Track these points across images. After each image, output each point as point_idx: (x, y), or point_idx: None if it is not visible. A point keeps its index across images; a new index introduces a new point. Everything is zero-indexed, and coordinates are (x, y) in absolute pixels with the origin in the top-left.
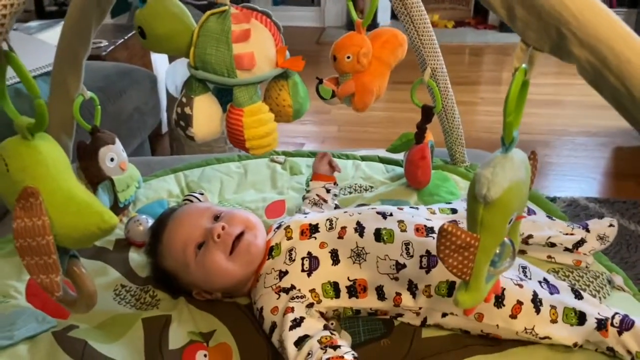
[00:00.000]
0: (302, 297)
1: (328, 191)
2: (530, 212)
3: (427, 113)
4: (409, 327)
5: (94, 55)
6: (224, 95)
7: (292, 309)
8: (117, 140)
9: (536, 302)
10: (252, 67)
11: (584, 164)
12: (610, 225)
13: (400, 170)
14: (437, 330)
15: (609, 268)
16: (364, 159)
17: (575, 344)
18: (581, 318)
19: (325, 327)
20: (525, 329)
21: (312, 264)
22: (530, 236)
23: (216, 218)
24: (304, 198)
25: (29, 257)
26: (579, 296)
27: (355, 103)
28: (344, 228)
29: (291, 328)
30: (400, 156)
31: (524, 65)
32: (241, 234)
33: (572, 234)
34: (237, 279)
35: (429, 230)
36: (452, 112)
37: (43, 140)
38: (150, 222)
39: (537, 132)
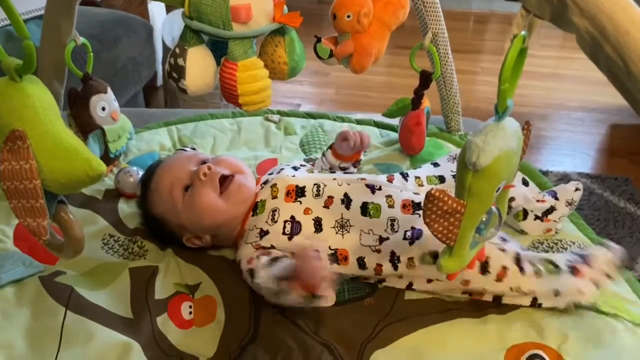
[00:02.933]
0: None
1: (343, 169)
2: None
3: (425, 79)
4: (393, 289)
5: (89, 0)
6: (219, 49)
7: (269, 253)
8: (109, 89)
9: (519, 263)
10: (248, 20)
11: (579, 139)
12: (576, 189)
13: (394, 135)
14: (420, 293)
15: (594, 241)
16: (359, 122)
17: (556, 293)
18: (555, 265)
19: None
20: (511, 288)
21: (294, 228)
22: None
23: (203, 163)
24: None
25: (16, 200)
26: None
27: (353, 64)
28: (330, 197)
29: (266, 266)
30: (395, 121)
31: (523, 32)
32: (232, 177)
33: (543, 201)
34: (225, 217)
35: (416, 207)
36: (450, 79)
37: (31, 83)
38: (141, 173)
39: (534, 105)
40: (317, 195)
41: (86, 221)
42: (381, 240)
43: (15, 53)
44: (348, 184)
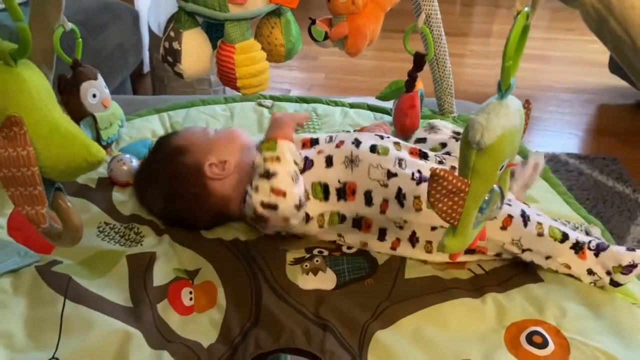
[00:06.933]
0: None
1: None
2: None
3: (419, 60)
4: (393, 267)
5: None
6: (214, 31)
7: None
8: (100, 76)
9: (525, 216)
10: (244, 2)
11: (568, 120)
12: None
13: (388, 118)
14: (420, 270)
15: (588, 220)
16: (352, 106)
17: (548, 257)
18: (564, 236)
19: None
20: (512, 239)
21: (306, 164)
22: None
23: None
24: None
25: (14, 188)
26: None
27: (348, 46)
28: (342, 141)
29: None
30: (389, 104)
31: (526, 9)
32: None
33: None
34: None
35: (423, 155)
36: (443, 61)
37: (27, 68)
38: (134, 161)
39: (523, 87)
40: (330, 141)
41: (80, 210)
42: (389, 175)
43: (5, 39)
44: (359, 134)
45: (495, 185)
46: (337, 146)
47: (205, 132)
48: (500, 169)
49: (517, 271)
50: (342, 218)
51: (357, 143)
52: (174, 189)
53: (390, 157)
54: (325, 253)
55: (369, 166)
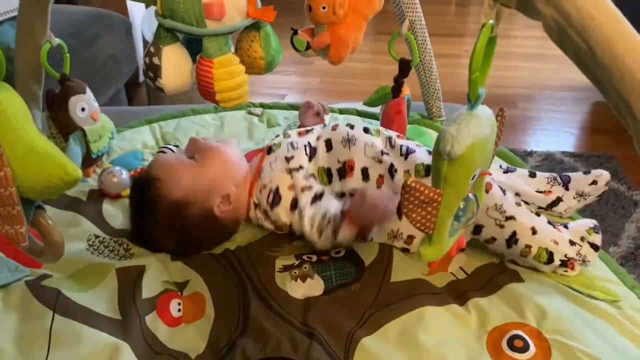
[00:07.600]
0: (312, 175)
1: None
2: (509, 170)
3: (404, 67)
4: (379, 270)
5: None
6: (194, 46)
7: (310, 187)
8: (88, 90)
9: (502, 191)
10: (222, 17)
11: (563, 119)
12: (593, 182)
13: (377, 123)
14: (405, 273)
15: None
16: (341, 112)
17: (533, 230)
18: (537, 214)
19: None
20: (495, 204)
21: (312, 152)
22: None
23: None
24: None
25: None
26: None
27: (331, 55)
28: (336, 125)
29: (312, 202)
30: (378, 109)
31: (491, 21)
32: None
33: (549, 192)
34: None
35: (407, 139)
36: (429, 66)
37: (2, 90)
38: (125, 173)
39: (519, 86)
40: (324, 127)
41: (70, 223)
42: (382, 152)
43: None
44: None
45: (470, 194)
46: (333, 129)
47: (186, 166)
48: (473, 178)
49: (498, 271)
50: (341, 197)
51: (350, 126)
52: (192, 237)
53: (382, 138)
54: (314, 259)
55: (364, 144)
